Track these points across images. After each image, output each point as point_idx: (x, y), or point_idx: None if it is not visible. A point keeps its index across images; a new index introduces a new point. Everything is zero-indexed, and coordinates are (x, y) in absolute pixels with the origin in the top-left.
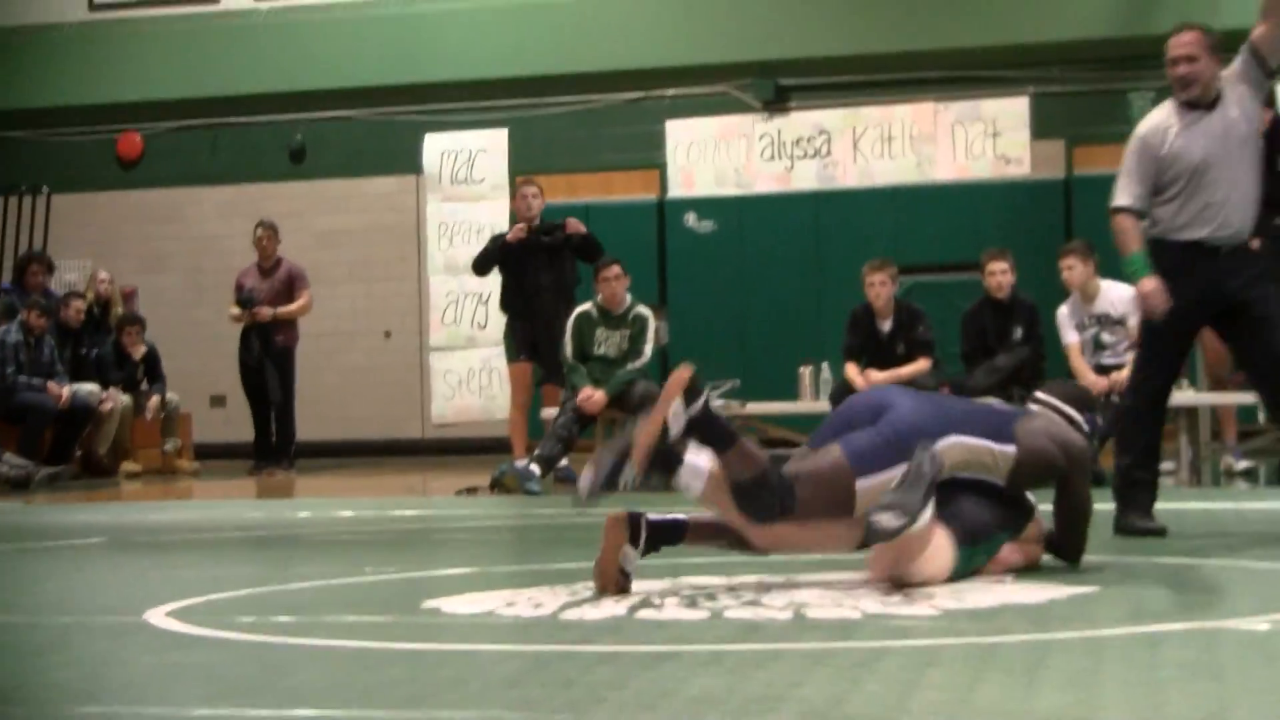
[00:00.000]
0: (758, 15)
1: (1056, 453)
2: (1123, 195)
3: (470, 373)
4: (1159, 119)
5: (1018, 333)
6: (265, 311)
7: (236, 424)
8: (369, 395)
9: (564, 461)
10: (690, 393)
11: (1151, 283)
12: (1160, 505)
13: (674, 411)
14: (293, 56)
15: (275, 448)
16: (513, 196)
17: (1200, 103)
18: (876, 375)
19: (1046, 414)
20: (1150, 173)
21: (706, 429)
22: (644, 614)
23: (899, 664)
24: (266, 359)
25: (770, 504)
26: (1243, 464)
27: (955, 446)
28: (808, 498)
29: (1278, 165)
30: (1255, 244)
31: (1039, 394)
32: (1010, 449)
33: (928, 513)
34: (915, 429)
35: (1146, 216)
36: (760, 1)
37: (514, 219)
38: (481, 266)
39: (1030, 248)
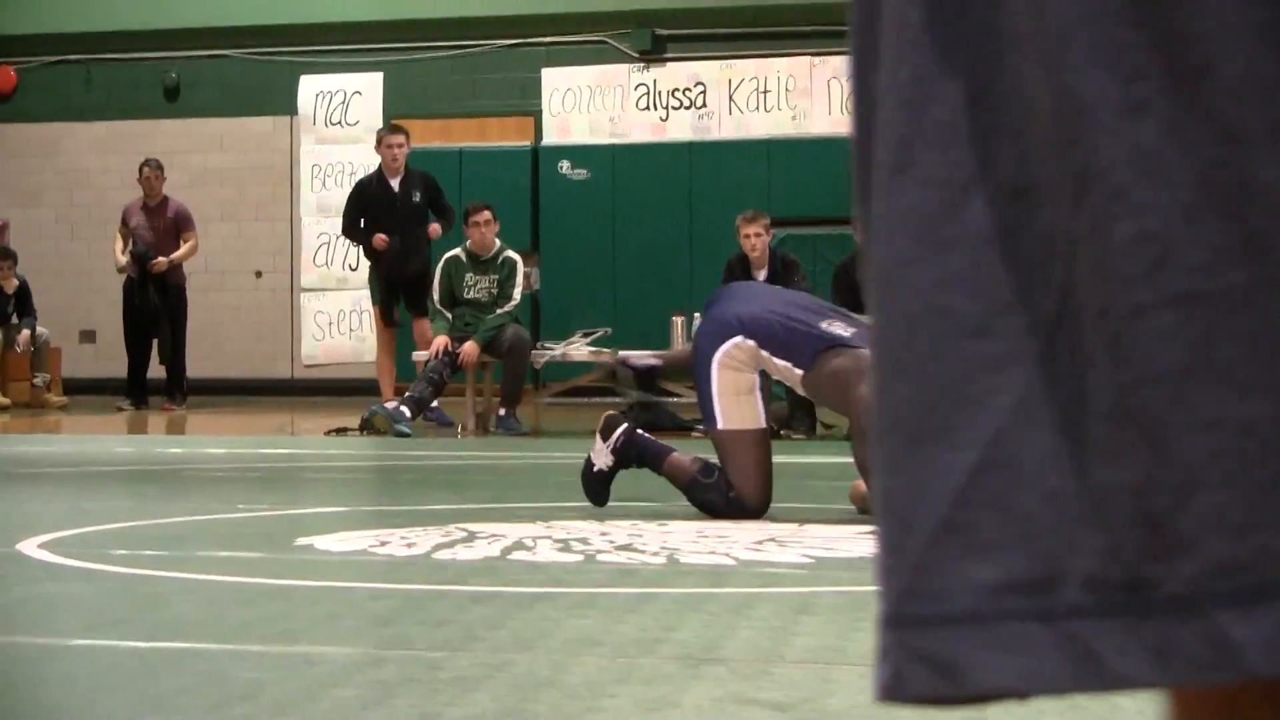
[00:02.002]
0: None
1: (839, 399)
2: None
3: (341, 314)
4: None
5: None
6: (161, 263)
7: (106, 359)
8: (239, 334)
9: (435, 404)
10: (607, 429)
11: None
12: None
13: (596, 449)
14: None
15: (169, 384)
16: (379, 144)
17: None
18: None
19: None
20: None
21: (635, 455)
22: (517, 556)
23: (772, 610)
24: (161, 303)
25: (714, 496)
26: None
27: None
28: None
29: None
30: None
31: None
32: (797, 371)
33: None
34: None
35: None
36: None
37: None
38: (349, 236)
39: None
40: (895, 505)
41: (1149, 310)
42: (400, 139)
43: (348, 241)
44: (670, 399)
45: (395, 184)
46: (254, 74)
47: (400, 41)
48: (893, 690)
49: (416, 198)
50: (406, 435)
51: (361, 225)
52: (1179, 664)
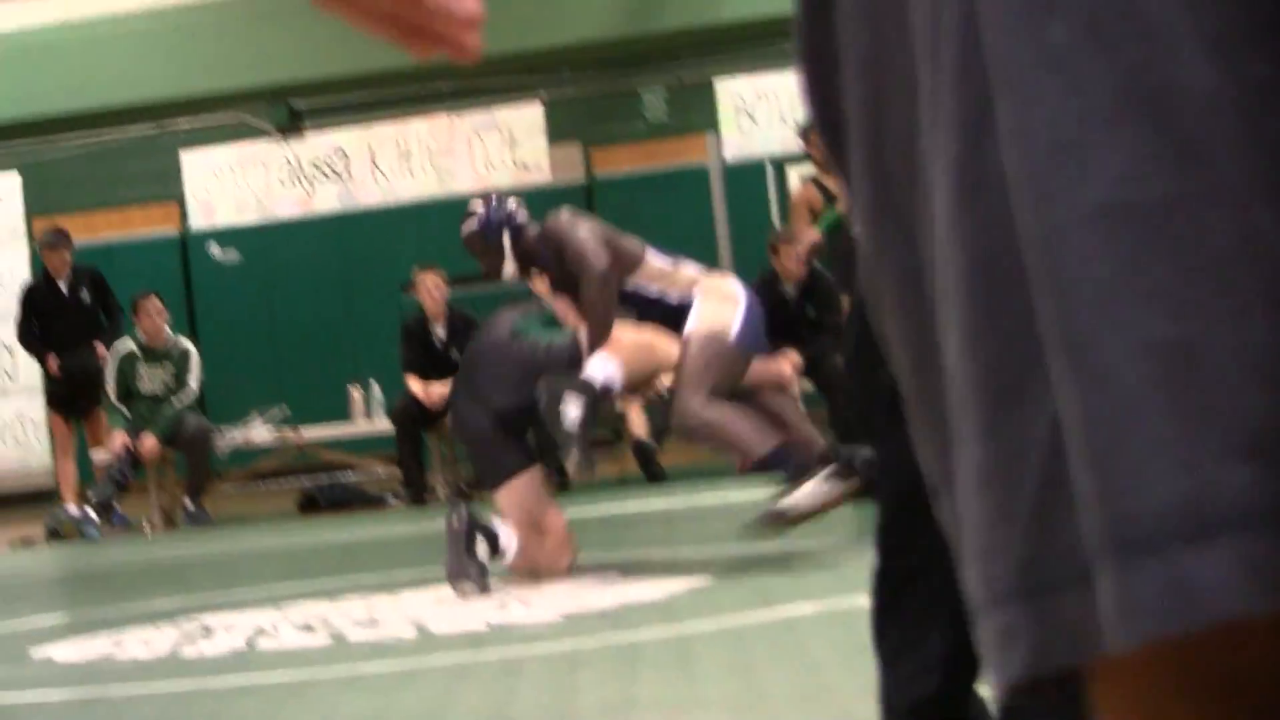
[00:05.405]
0: (265, 39)
1: None
2: None
3: (3, 424)
4: None
5: None
6: None
7: None
8: None
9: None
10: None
11: None
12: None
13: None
14: None
15: None
16: (49, 248)
17: None
18: (439, 389)
19: None
20: None
21: None
22: (264, 644)
23: (545, 669)
24: None
25: None
26: None
27: None
28: None
29: None
30: None
31: None
32: None
33: None
34: None
35: None
36: (266, 25)
37: (37, 266)
38: (25, 346)
39: None
40: (976, 479)
41: (1072, 227)
42: (63, 254)
43: (3, 346)
44: (348, 471)
45: (64, 286)
46: None
47: (33, 138)
48: (1034, 666)
49: (86, 297)
50: (96, 538)
51: (36, 332)
52: (1144, 616)
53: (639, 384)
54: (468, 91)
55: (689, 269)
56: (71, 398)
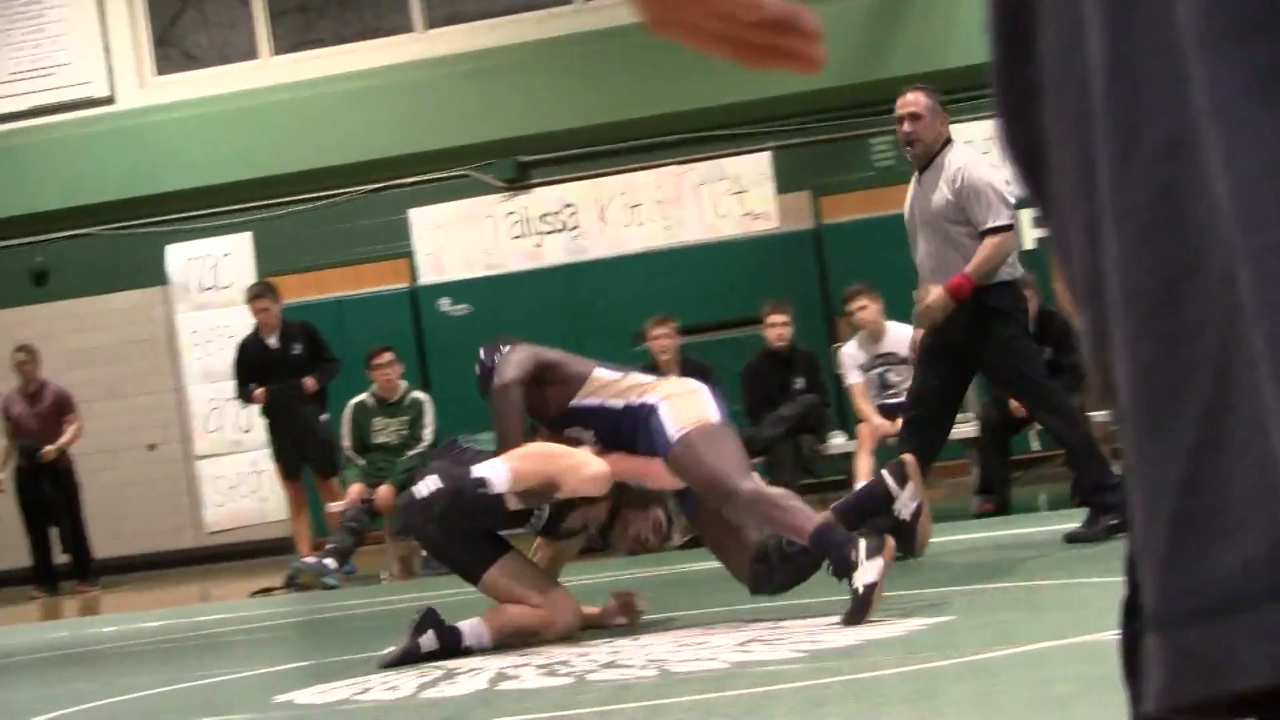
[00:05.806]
0: (491, 95)
1: None
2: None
3: (240, 477)
4: None
5: (799, 383)
6: (50, 451)
7: (2, 549)
8: (139, 509)
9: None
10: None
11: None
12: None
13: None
14: (28, 178)
15: (78, 567)
16: (251, 299)
17: (918, 161)
18: None
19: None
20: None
21: None
22: (506, 686)
23: (789, 708)
24: (54, 490)
25: None
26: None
27: None
28: None
29: None
30: None
31: None
32: None
33: None
34: None
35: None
36: (492, 80)
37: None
38: (242, 399)
39: (785, 299)
40: (1138, 502)
41: None
42: (264, 303)
43: (241, 404)
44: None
45: (273, 340)
46: (120, 249)
47: (263, 199)
48: (1168, 696)
49: (297, 350)
50: (334, 587)
51: (250, 387)
52: None
53: (539, 489)
54: (695, 141)
55: (636, 377)
56: (290, 446)
